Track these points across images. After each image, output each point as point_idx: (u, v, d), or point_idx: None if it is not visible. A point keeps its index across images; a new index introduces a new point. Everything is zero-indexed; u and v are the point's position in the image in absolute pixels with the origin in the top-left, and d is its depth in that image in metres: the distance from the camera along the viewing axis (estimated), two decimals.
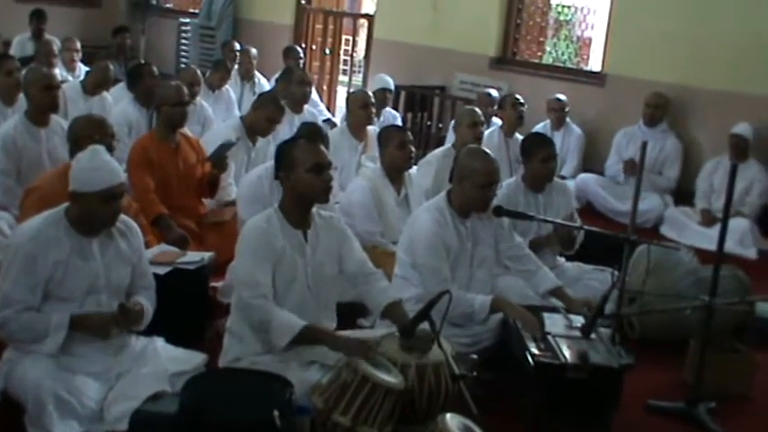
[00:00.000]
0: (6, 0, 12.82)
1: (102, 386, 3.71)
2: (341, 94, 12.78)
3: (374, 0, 12.10)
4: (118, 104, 7.58)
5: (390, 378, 3.52)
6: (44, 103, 5.84)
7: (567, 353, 4.07)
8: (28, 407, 3.57)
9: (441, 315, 3.74)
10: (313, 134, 5.19)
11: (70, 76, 9.29)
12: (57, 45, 9.27)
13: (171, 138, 5.97)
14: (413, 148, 5.90)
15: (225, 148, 5.97)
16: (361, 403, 3.44)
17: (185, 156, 6.02)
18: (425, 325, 3.78)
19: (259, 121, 6.64)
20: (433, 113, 10.55)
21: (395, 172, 5.85)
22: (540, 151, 5.50)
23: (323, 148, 4.11)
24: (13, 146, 5.72)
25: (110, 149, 4.18)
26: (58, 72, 8.77)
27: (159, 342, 4.02)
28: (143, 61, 8.99)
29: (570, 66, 11.02)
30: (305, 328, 3.80)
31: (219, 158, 5.95)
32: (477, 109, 7.19)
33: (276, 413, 3.20)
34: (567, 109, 9.07)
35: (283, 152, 4.11)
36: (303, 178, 3.96)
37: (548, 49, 11.63)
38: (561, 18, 12.27)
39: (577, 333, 4.28)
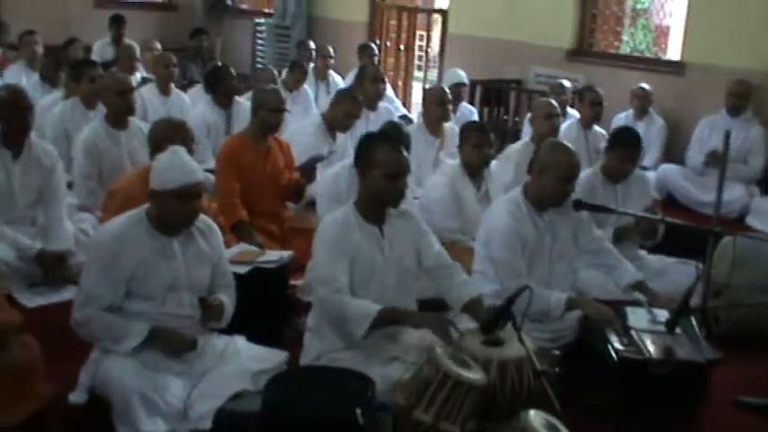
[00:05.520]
0: (86, 6, 13.17)
1: (185, 384, 3.74)
2: (416, 90, 12.77)
3: None
4: (196, 106, 7.66)
5: (472, 374, 3.49)
6: (119, 107, 5.98)
7: (651, 348, 4.01)
8: (115, 404, 3.62)
9: (521, 311, 3.71)
10: (396, 135, 5.16)
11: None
12: (137, 49, 9.42)
13: (263, 141, 5.93)
14: (491, 150, 5.88)
15: (315, 160, 5.97)
16: (443, 400, 3.42)
17: (275, 160, 6.00)
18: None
19: (338, 116, 6.66)
20: (509, 107, 10.46)
21: (471, 169, 5.82)
22: (624, 150, 5.48)
23: (405, 153, 4.08)
24: (94, 149, 5.88)
25: (189, 152, 4.23)
26: (139, 75, 8.95)
27: (241, 341, 4.06)
28: (220, 63, 9.08)
29: (648, 55, 10.84)
30: (382, 311, 3.80)
31: (309, 169, 5.96)
32: (553, 101, 7.11)
33: (359, 411, 3.20)
34: (651, 98, 8.90)
35: (367, 146, 4.07)
36: (379, 181, 3.96)
37: (625, 38, 11.47)
38: (638, 7, 12.11)
39: (662, 328, 4.21)
